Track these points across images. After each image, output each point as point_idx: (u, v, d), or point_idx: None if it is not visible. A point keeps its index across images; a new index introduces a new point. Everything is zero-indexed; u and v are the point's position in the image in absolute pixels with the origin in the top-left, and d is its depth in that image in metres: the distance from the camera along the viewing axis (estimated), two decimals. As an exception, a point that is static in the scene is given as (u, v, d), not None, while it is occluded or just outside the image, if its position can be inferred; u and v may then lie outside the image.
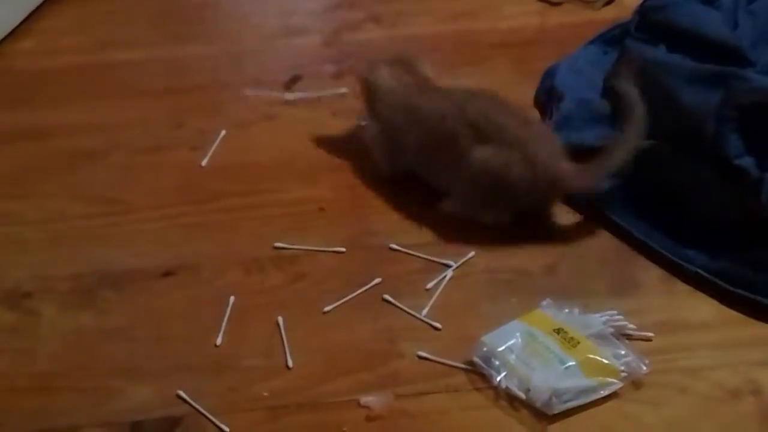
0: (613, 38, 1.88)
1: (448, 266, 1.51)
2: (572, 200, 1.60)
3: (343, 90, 1.87)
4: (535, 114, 1.73)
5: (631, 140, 1.52)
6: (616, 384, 1.31)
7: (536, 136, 1.55)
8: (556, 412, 1.28)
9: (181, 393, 1.33)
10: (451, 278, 1.49)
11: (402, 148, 1.63)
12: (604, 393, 1.30)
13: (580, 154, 1.60)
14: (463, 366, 1.36)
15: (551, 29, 2.05)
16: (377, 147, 1.67)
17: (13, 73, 2.00)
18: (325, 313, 1.44)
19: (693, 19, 1.69)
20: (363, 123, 1.72)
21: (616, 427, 1.29)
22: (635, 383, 1.32)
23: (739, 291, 1.43)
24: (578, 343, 1.33)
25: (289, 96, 1.89)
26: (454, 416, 1.31)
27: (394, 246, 1.54)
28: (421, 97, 1.63)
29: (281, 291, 1.49)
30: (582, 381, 1.30)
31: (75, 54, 2.04)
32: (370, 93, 1.68)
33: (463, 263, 1.51)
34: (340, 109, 1.81)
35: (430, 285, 1.48)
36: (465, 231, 1.56)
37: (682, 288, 1.47)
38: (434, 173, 1.62)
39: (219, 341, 1.41)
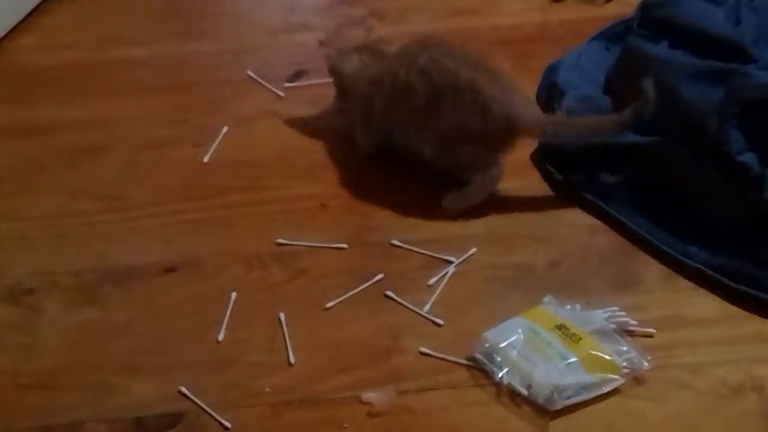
0: (615, 35, 1.88)
1: (450, 262, 1.51)
2: (575, 197, 1.60)
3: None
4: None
5: (605, 127, 1.56)
6: (618, 380, 1.31)
7: (487, 76, 1.57)
8: (558, 408, 1.28)
9: (183, 389, 1.33)
10: (453, 274, 1.49)
11: (371, 119, 1.66)
12: (606, 389, 1.30)
13: (583, 150, 1.62)
14: (464, 362, 1.36)
15: (553, 26, 2.05)
16: (355, 125, 1.71)
17: (16, 70, 2.00)
18: (327, 309, 1.45)
19: (695, 15, 1.69)
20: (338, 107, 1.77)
21: (618, 423, 1.29)
22: (637, 379, 1.32)
23: (741, 287, 1.43)
24: (580, 339, 1.33)
25: (289, 85, 1.91)
26: (456, 412, 1.31)
27: (396, 242, 1.54)
28: (378, 65, 1.67)
29: (283, 287, 1.49)
30: (584, 377, 1.30)
31: (77, 50, 2.04)
32: (340, 79, 1.73)
33: (465, 259, 1.52)
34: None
35: (432, 281, 1.48)
36: (467, 227, 1.57)
37: (684, 284, 1.47)
38: (403, 134, 1.64)
39: (221, 337, 1.41)
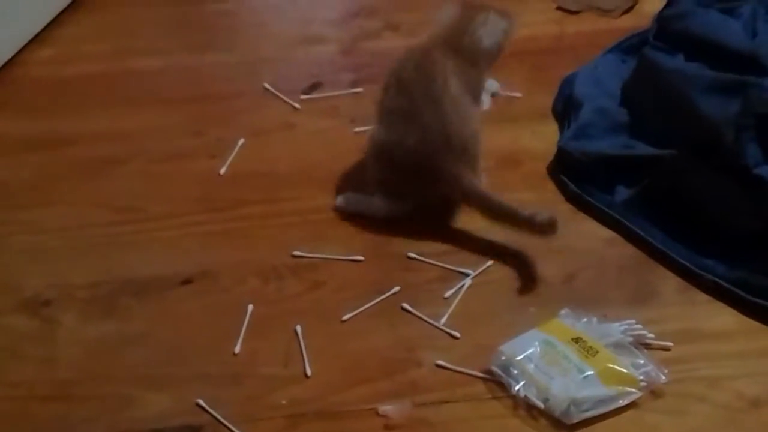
0: (631, 47, 1.89)
1: (467, 275, 1.51)
2: (591, 209, 1.60)
3: (359, 90, 1.91)
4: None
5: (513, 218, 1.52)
6: (635, 393, 1.30)
7: (437, 123, 1.54)
8: (575, 421, 1.28)
9: (201, 402, 1.34)
10: (470, 287, 1.49)
11: None
12: (623, 402, 1.30)
13: (599, 162, 1.62)
14: (481, 375, 1.36)
15: (569, 38, 2.05)
16: None
17: (33, 82, 2.01)
18: (343, 321, 1.45)
19: (711, 27, 1.69)
20: None
21: (635, 436, 1.29)
22: (654, 393, 1.32)
23: (759, 300, 1.43)
24: (597, 352, 1.33)
25: (305, 97, 1.91)
26: (473, 425, 1.31)
27: (413, 254, 1.54)
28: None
29: (300, 299, 1.49)
30: (601, 390, 1.30)
31: (94, 62, 2.05)
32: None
33: (481, 272, 1.51)
34: (359, 117, 1.81)
35: (448, 293, 1.48)
36: (483, 239, 1.56)
37: (701, 297, 1.47)
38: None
39: (237, 349, 1.41)
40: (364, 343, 1.42)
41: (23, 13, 2.07)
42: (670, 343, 1.38)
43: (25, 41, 2.07)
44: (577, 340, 1.35)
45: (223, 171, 1.73)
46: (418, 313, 1.45)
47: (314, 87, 1.93)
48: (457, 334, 1.42)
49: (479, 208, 1.55)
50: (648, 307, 1.45)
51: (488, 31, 1.64)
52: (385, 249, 1.56)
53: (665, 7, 1.83)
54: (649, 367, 1.32)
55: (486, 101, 1.74)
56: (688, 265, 1.49)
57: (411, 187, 1.58)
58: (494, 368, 1.35)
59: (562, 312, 1.42)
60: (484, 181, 1.58)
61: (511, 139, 1.75)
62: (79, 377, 1.40)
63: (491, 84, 1.80)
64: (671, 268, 1.51)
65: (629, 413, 1.30)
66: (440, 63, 1.58)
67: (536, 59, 1.96)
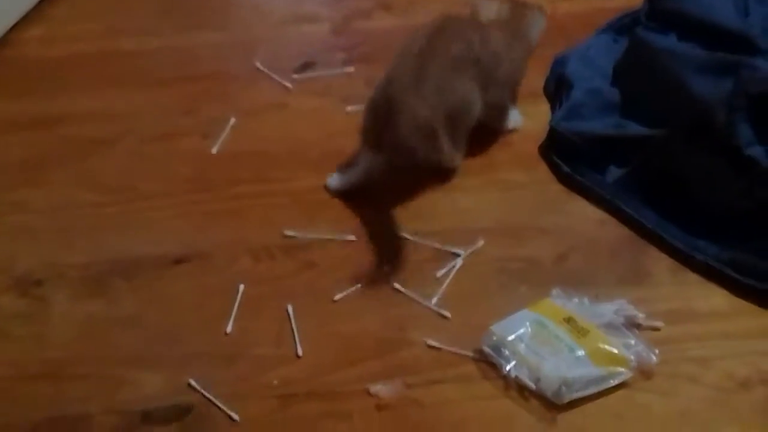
0: (623, 27, 1.88)
1: (458, 255, 1.51)
2: (583, 189, 1.60)
3: (351, 69, 1.90)
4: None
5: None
6: (625, 373, 1.31)
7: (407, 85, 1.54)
8: (566, 401, 1.28)
9: (192, 382, 1.34)
10: (461, 267, 1.49)
11: None
12: (613, 382, 1.31)
13: (591, 143, 1.61)
14: (472, 355, 1.36)
15: (561, 18, 2.03)
16: None
17: (23, 61, 1.99)
18: (335, 301, 1.45)
19: (703, 7, 1.69)
20: None
21: (626, 416, 1.29)
22: (645, 373, 1.32)
23: (749, 281, 1.43)
24: (588, 332, 1.33)
25: (297, 76, 1.90)
26: (464, 405, 1.31)
27: (404, 234, 1.54)
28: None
29: (291, 279, 1.49)
30: (592, 370, 1.30)
31: (85, 42, 2.04)
32: None
33: (473, 252, 1.51)
34: (350, 97, 1.81)
35: (439, 273, 1.48)
36: (475, 219, 1.56)
37: (693, 278, 1.47)
38: None
39: (229, 329, 1.41)
40: (356, 323, 1.42)
41: (12, -8, 2.06)
42: (660, 323, 1.39)
43: (15, 20, 2.05)
44: (568, 320, 1.35)
45: (215, 150, 1.73)
46: (409, 293, 1.45)
47: (306, 66, 1.92)
48: (448, 314, 1.42)
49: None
50: (639, 288, 1.45)
51: (536, 28, 1.71)
52: (376, 229, 1.56)
53: (658, -14, 1.83)
54: (640, 348, 1.33)
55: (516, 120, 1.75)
56: (679, 245, 1.50)
57: (381, 127, 1.56)
58: (485, 348, 1.35)
59: (554, 292, 1.42)
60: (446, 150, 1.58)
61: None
62: (70, 357, 1.40)
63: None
64: (663, 248, 1.51)
65: (620, 393, 1.31)
66: (484, 32, 1.64)
67: (528, 39, 1.96)
